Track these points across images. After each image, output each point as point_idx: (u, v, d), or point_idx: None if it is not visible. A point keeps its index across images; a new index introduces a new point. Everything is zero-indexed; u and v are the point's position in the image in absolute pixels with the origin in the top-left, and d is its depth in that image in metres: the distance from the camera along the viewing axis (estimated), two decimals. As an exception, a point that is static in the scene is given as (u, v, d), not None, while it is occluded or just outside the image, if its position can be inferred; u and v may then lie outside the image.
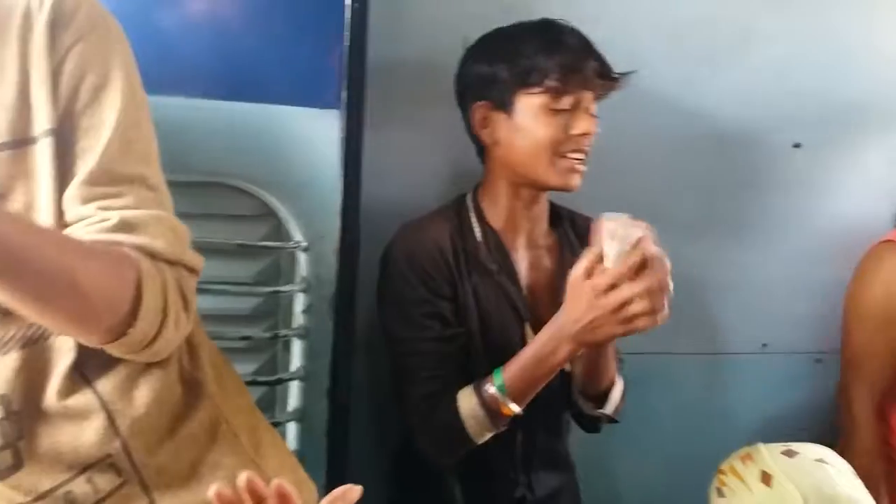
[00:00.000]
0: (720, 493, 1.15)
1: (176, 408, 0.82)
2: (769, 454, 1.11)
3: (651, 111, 1.44)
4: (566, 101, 1.07)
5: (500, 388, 1.05)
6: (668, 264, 0.95)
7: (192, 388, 0.84)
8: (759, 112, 1.49)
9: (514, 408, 1.05)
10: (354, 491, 0.65)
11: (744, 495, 1.10)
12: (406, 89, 1.28)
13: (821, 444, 1.19)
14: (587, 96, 1.09)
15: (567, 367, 1.17)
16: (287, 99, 1.02)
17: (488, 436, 1.09)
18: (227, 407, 0.87)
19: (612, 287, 0.94)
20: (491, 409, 1.06)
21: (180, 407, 0.82)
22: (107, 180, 0.72)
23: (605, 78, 1.09)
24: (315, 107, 1.03)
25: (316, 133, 1.03)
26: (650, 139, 1.45)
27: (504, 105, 1.10)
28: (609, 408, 1.18)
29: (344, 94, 1.02)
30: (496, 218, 1.18)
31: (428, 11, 1.28)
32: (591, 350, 1.08)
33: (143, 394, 0.78)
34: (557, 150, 1.08)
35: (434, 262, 1.12)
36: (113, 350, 0.71)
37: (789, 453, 1.12)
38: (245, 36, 1.04)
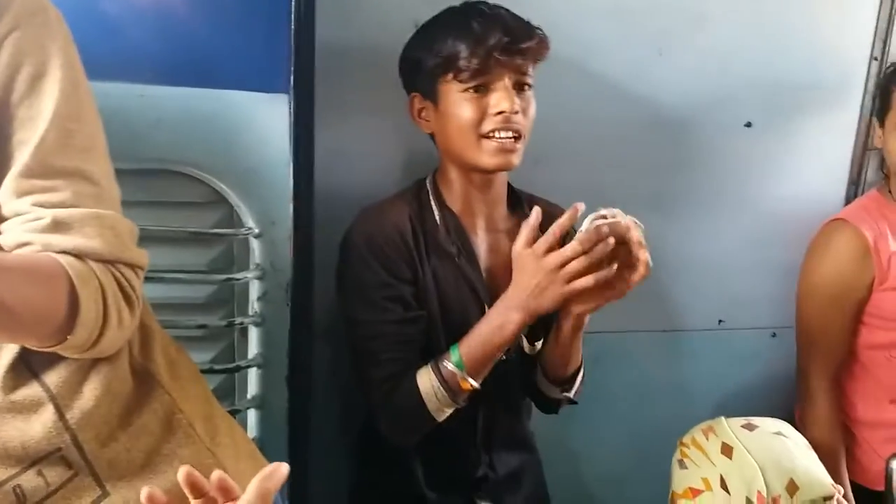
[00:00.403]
0: (682, 465, 1.18)
1: (128, 399, 0.81)
2: (730, 427, 1.15)
3: (602, 94, 1.45)
4: (480, 81, 1.08)
5: (458, 364, 1.07)
6: (634, 239, 1.02)
7: (144, 379, 0.83)
8: (709, 93, 1.51)
9: (472, 382, 1.07)
10: (282, 468, 0.65)
11: (705, 466, 1.13)
12: (358, 74, 1.27)
13: (778, 417, 1.23)
14: (503, 74, 1.08)
15: (527, 348, 1.19)
16: (236, 84, 1.01)
17: (448, 412, 1.10)
18: (182, 396, 0.86)
19: (550, 250, 1.00)
20: (450, 385, 1.07)
21: (132, 398, 0.81)
22: (42, 173, 0.70)
23: (512, 52, 1.07)
24: (265, 91, 1.01)
25: (266, 118, 1.03)
26: (603, 122, 1.46)
27: (430, 95, 1.12)
28: (571, 391, 1.22)
29: (291, 79, 1.01)
30: (454, 201, 1.19)
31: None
32: (564, 334, 1.12)
33: (93, 386, 0.77)
34: (480, 131, 1.09)
35: (394, 244, 1.12)
36: (59, 351, 0.71)
37: (749, 427, 1.16)
38: (192, 20, 1.02)
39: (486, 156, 1.10)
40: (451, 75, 1.08)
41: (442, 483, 1.23)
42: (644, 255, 1.02)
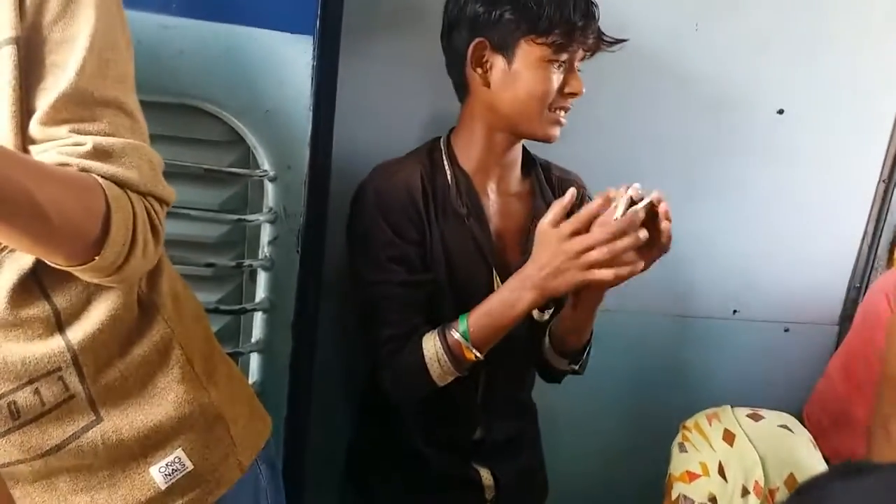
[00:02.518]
0: (682, 448, 1.18)
1: (130, 328, 0.81)
2: (735, 415, 1.14)
3: (637, 72, 1.42)
4: (565, 57, 1.07)
5: (464, 334, 1.06)
6: (665, 226, 0.99)
7: (147, 311, 0.83)
8: (743, 75, 1.48)
9: (477, 353, 1.06)
10: None
11: (705, 451, 1.13)
12: (387, 21, 1.25)
13: (785, 411, 1.21)
14: (580, 54, 1.09)
15: (536, 316, 1.18)
16: (261, 21, 0.99)
17: (450, 379, 1.10)
18: (183, 332, 0.86)
19: (576, 234, 0.97)
20: (454, 353, 1.07)
21: (134, 328, 0.82)
22: (81, 102, 0.69)
23: (602, 41, 1.10)
24: (289, 31, 1.00)
25: (289, 60, 1.01)
26: (635, 100, 1.44)
27: (504, 48, 1.08)
28: (577, 364, 1.21)
29: (318, 21, 0.99)
30: (468, 161, 1.17)
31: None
32: (582, 309, 1.11)
33: (100, 311, 0.77)
34: (548, 103, 1.08)
35: (403, 204, 1.11)
36: (79, 274, 0.71)
37: (755, 416, 1.15)
38: (221, -44, 1.01)
39: (544, 126, 1.10)
40: (542, 38, 1.05)
41: (440, 443, 1.23)
42: (667, 227, 0.99)
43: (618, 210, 0.96)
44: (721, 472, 1.10)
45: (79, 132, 0.69)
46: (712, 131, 1.50)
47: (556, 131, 1.12)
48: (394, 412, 1.24)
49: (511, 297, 1.04)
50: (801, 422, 1.51)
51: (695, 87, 1.46)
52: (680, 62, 1.44)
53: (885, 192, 1.62)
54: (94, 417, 0.79)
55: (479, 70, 1.10)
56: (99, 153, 0.69)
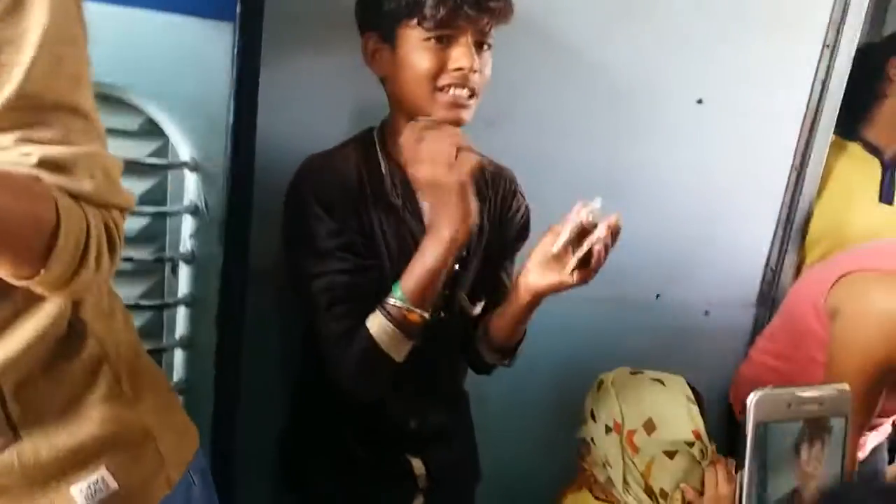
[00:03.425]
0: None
1: (57, 346, 0.77)
2: (620, 371, 1.32)
3: (560, 59, 1.44)
4: (444, 32, 1.05)
5: (401, 298, 1.06)
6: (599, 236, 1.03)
7: (76, 328, 0.79)
8: (664, 66, 1.52)
9: (420, 312, 1.06)
10: None
11: (588, 400, 1.32)
12: (310, 9, 1.23)
13: (705, 388, 1.28)
14: (467, 30, 1.06)
15: (468, 308, 1.19)
16: (178, 7, 0.96)
17: (405, 349, 1.08)
18: (112, 349, 0.83)
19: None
20: (398, 320, 1.06)
21: (62, 346, 0.78)
22: (30, 107, 0.64)
23: (480, 8, 1.05)
24: (209, 17, 0.97)
25: (209, 47, 0.98)
26: (558, 87, 1.46)
27: (389, 37, 1.09)
28: (508, 359, 1.24)
29: (238, 6, 0.97)
30: (400, 152, 1.16)
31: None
32: (519, 309, 1.13)
33: (26, 329, 0.73)
34: (437, 83, 1.07)
35: (340, 193, 1.10)
36: (29, 285, 0.66)
37: (634, 372, 1.31)
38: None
39: (438, 108, 1.08)
40: (414, 21, 1.05)
41: (373, 437, 1.23)
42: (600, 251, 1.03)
43: (559, 240, 1.02)
44: (593, 415, 1.28)
45: (27, 140, 0.64)
46: (634, 120, 1.54)
47: (460, 113, 1.09)
48: (326, 406, 1.24)
49: (429, 244, 1.06)
50: (727, 398, 1.60)
51: (618, 77, 1.49)
52: (604, 53, 1.47)
53: (797, 178, 1.70)
54: (12, 436, 0.75)
55: (375, 63, 1.12)
56: (48, 165, 0.65)
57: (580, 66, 1.46)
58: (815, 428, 0.50)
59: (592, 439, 1.28)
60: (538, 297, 1.11)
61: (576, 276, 1.04)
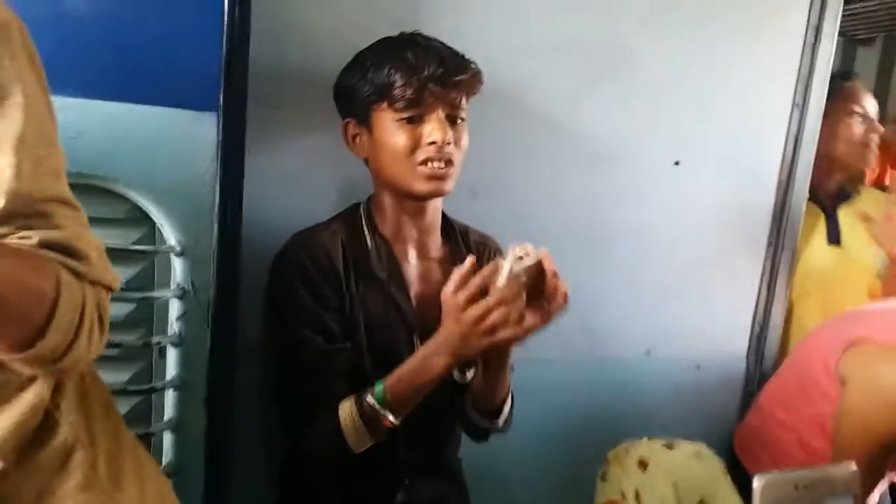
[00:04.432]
0: (604, 478, 1.22)
1: (32, 434, 0.76)
2: (649, 445, 1.20)
3: (537, 128, 1.48)
4: (414, 112, 1.09)
5: (380, 399, 1.07)
6: (551, 283, 1.03)
7: (49, 415, 0.77)
8: (639, 130, 1.55)
9: (392, 419, 1.07)
10: None
11: (622, 479, 1.18)
12: (292, 96, 1.26)
13: (700, 441, 1.27)
14: (436, 106, 1.10)
15: (457, 377, 1.19)
16: (162, 100, 0.99)
17: (366, 445, 1.10)
18: (88, 432, 0.81)
19: (472, 300, 1.00)
20: (369, 419, 1.07)
21: (35, 434, 0.76)
22: (23, 207, 0.67)
23: (446, 84, 1.09)
24: (192, 109, 1.00)
25: (193, 136, 1.01)
26: (537, 155, 1.49)
27: (365, 122, 1.14)
28: (500, 422, 1.23)
29: (221, 97, 0.99)
30: (387, 228, 1.19)
31: (314, 20, 1.27)
32: (491, 368, 1.14)
33: (9, 417, 0.72)
34: (414, 159, 1.10)
35: (323, 271, 1.12)
36: (18, 362, 0.67)
37: (669, 446, 1.21)
38: (119, 32, 1.00)
39: (418, 182, 1.11)
40: (385, 104, 1.09)
41: None
42: (561, 286, 1.04)
43: (502, 274, 1.01)
44: (637, 498, 1.15)
45: (24, 227, 0.67)
46: (613, 183, 1.57)
47: (436, 185, 1.12)
48: (314, 479, 1.23)
49: (425, 362, 1.06)
50: (731, 447, 1.59)
51: (594, 142, 1.53)
52: (579, 120, 1.50)
53: (778, 233, 1.72)
54: None
55: (356, 146, 1.16)
56: (47, 246, 0.67)
57: (557, 132, 1.49)
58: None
59: None
60: (501, 352, 1.11)
61: (552, 307, 1.04)
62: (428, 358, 1.05)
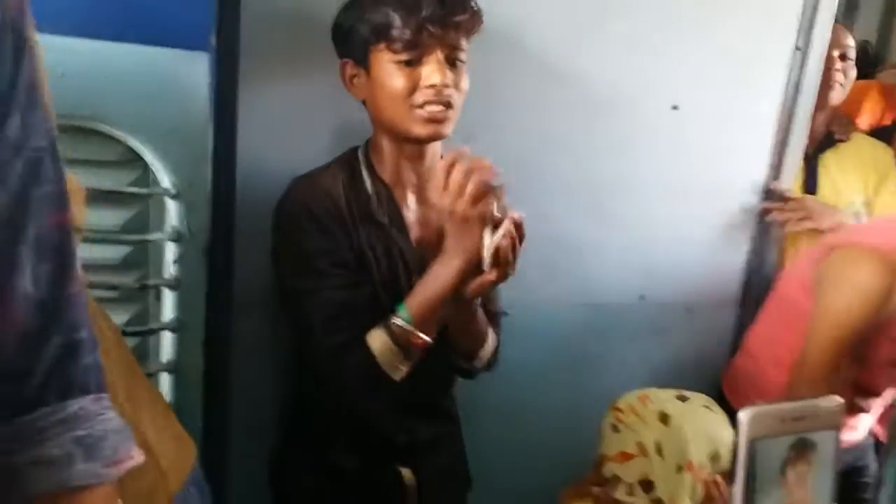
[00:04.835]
0: (615, 429, 1.23)
1: None
2: (666, 397, 1.20)
3: (535, 72, 1.45)
4: (412, 54, 1.07)
5: (408, 320, 1.08)
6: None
7: None
8: (638, 74, 1.53)
9: (424, 337, 1.09)
10: None
11: (641, 431, 1.18)
12: (288, 35, 1.23)
13: (692, 389, 1.28)
14: (435, 48, 1.08)
15: None
16: (154, 39, 0.96)
17: (404, 371, 1.10)
18: (104, 361, 0.79)
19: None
20: (401, 341, 1.08)
21: None
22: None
23: (446, 24, 1.06)
24: (184, 48, 0.97)
25: (186, 76, 0.99)
26: (535, 100, 1.47)
27: (363, 62, 1.11)
28: (479, 363, 1.25)
29: (214, 36, 0.97)
30: (386, 172, 1.18)
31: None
32: (459, 317, 1.15)
33: None
34: (412, 101, 1.09)
35: (329, 213, 1.11)
36: None
37: (682, 398, 1.22)
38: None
39: (416, 125, 1.10)
40: (383, 45, 1.07)
41: (363, 452, 1.24)
42: (505, 246, 1.05)
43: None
44: (659, 451, 1.16)
45: None
46: (612, 129, 1.55)
47: (435, 128, 1.11)
48: (317, 424, 1.25)
49: (438, 269, 1.07)
50: (721, 392, 1.62)
51: (593, 87, 1.50)
52: (578, 64, 1.48)
53: (774, 178, 1.72)
54: None
55: (353, 87, 1.14)
56: None
57: (556, 77, 1.47)
58: (801, 449, 0.51)
59: (648, 478, 1.17)
60: (466, 301, 1.12)
61: (494, 273, 1.05)
62: (440, 264, 1.07)
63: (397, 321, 1.08)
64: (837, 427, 0.53)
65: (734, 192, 1.71)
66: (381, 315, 1.12)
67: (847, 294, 1.36)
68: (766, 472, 0.52)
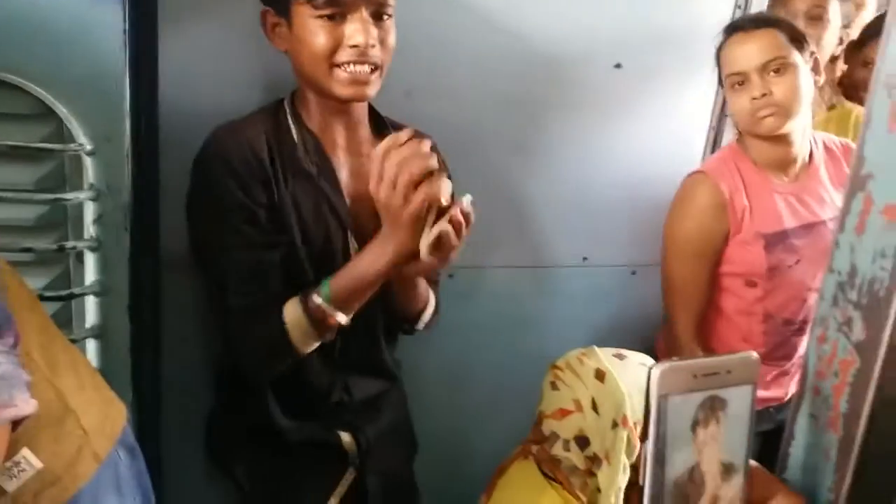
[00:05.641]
0: (554, 387, 1.23)
1: None
2: (603, 355, 1.20)
3: (476, 26, 1.42)
4: (333, 11, 1.02)
5: (326, 298, 1.04)
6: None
7: None
8: (581, 32, 1.51)
9: (340, 318, 1.05)
10: None
11: (578, 389, 1.18)
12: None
13: (637, 349, 1.29)
14: (359, 4, 1.03)
15: None
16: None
17: (313, 346, 1.08)
18: (17, 325, 0.78)
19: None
20: (316, 318, 1.05)
21: None
22: None
23: None
24: (94, -7, 0.91)
25: (98, 24, 0.93)
26: (476, 55, 1.44)
27: (284, 13, 1.06)
28: (420, 325, 1.25)
29: (125, -22, 0.91)
30: (313, 122, 1.14)
31: None
32: (403, 285, 1.13)
33: None
34: (332, 60, 1.04)
35: (249, 165, 1.06)
36: None
37: (619, 356, 1.22)
38: None
39: (338, 85, 1.06)
40: None
41: (297, 411, 1.22)
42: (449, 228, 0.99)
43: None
44: (594, 407, 1.16)
45: None
46: (553, 86, 1.53)
47: (360, 90, 1.07)
48: (248, 383, 1.21)
49: (372, 254, 1.03)
50: (653, 354, 1.64)
51: (535, 43, 1.48)
52: (520, 19, 1.45)
53: (714, 139, 1.72)
54: None
55: (275, 38, 1.09)
56: None
57: (496, 34, 1.44)
58: (710, 407, 0.50)
59: (584, 434, 1.17)
60: (404, 277, 1.10)
61: (432, 258, 1.00)
62: (374, 248, 1.03)
63: (316, 299, 1.04)
64: (752, 382, 0.53)
65: (677, 151, 1.71)
66: (302, 276, 1.09)
67: (683, 216, 1.51)
68: (678, 430, 0.52)
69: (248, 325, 1.06)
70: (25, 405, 0.69)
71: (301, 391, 1.20)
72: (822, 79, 1.47)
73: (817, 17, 1.75)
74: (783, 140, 1.44)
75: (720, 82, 1.50)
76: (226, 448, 1.29)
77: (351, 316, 1.07)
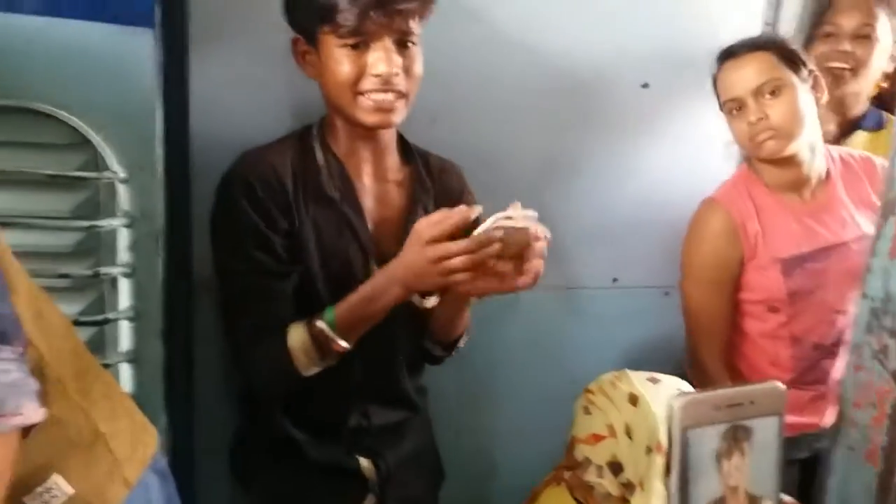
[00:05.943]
0: (587, 411, 1.21)
1: None
2: (636, 379, 1.18)
3: (502, 52, 1.43)
4: (357, 40, 1.04)
5: (330, 324, 1.05)
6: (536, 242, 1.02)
7: None
8: (608, 52, 1.51)
9: (343, 343, 1.06)
10: None
11: (611, 412, 1.16)
12: (239, 10, 1.20)
13: (669, 372, 1.27)
14: (382, 34, 1.04)
15: (417, 302, 1.18)
16: (95, 14, 0.93)
17: (315, 370, 1.09)
18: (49, 351, 0.81)
19: (439, 241, 0.98)
20: (319, 342, 1.06)
21: None
22: None
23: (390, 12, 1.02)
24: (128, 24, 0.94)
25: (131, 54, 0.95)
26: (501, 79, 1.44)
27: (312, 42, 1.08)
28: (454, 352, 1.25)
29: (158, 11, 0.93)
30: (338, 146, 1.15)
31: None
32: (450, 305, 1.14)
33: None
34: (357, 88, 1.06)
35: (271, 190, 1.08)
36: None
37: (653, 380, 1.19)
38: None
39: (363, 113, 1.08)
40: (328, 28, 1.04)
41: (317, 432, 1.22)
42: (535, 266, 1.02)
43: (484, 225, 0.99)
44: (628, 432, 1.14)
45: None
46: (580, 107, 1.53)
47: (382, 117, 1.08)
48: (270, 408, 1.22)
49: (377, 290, 1.05)
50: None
51: (561, 65, 1.48)
52: (545, 41, 1.45)
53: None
54: None
55: (305, 66, 1.12)
56: None
57: (521, 55, 1.44)
58: (734, 438, 0.49)
59: (617, 459, 1.14)
60: (465, 296, 1.11)
61: (519, 281, 1.03)
62: (381, 285, 1.04)
63: (319, 324, 1.06)
64: (779, 413, 0.51)
65: (708, 170, 1.69)
66: (318, 300, 1.11)
67: (698, 245, 1.49)
68: (701, 461, 0.50)
69: (253, 345, 1.09)
70: (33, 413, 0.69)
71: (320, 413, 1.21)
72: (824, 96, 1.44)
73: (865, 35, 1.71)
74: (790, 161, 1.41)
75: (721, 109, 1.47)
76: (249, 468, 1.29)
77: (353, 343, 1.08)
